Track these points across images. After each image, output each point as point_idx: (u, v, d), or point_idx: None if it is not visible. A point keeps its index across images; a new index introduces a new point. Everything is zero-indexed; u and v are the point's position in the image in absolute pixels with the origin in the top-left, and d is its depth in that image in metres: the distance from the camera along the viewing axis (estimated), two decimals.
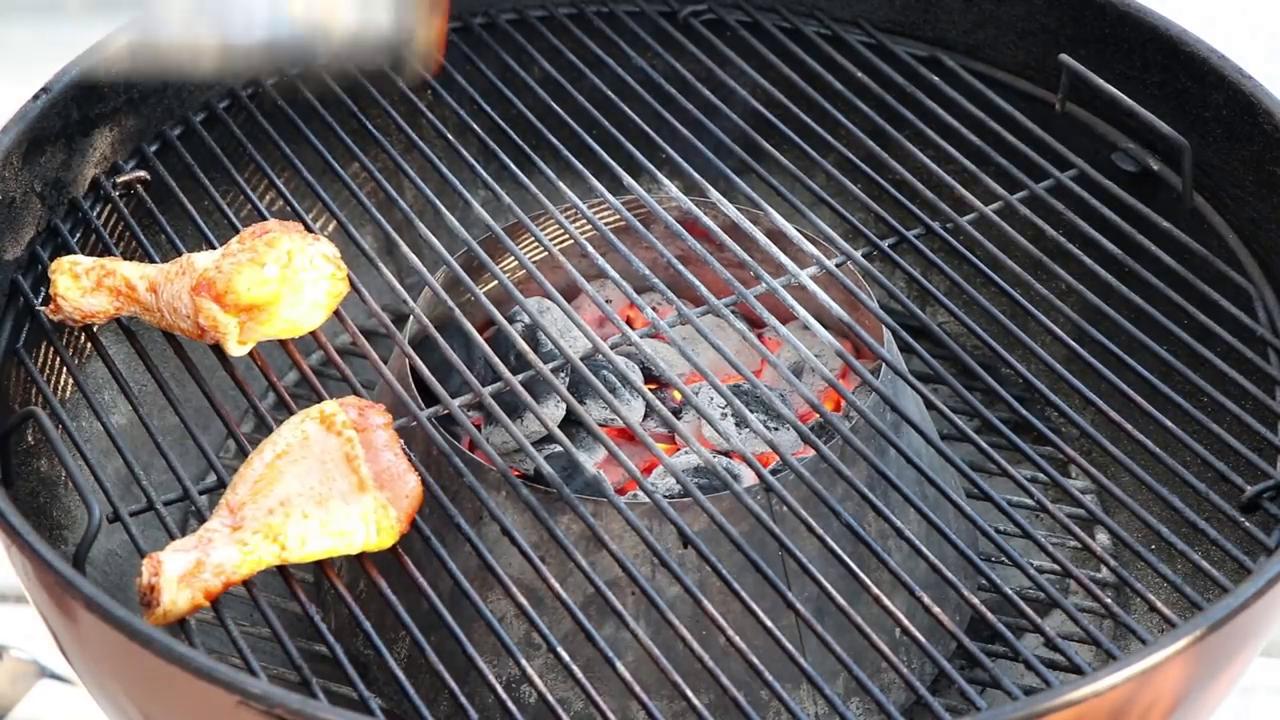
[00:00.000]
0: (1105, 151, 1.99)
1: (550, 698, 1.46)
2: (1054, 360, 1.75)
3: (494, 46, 2.13)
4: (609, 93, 2.06)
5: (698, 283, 1.80)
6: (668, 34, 2.15)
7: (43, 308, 1.76)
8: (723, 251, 1.88)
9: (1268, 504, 1.62)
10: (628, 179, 1.92)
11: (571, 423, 1.82)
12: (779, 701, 1.46)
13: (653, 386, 1.89)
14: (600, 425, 1.77)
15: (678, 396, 1.87)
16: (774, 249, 1.85)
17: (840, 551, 1.56)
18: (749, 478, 1.72)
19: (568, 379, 1.83)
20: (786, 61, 2.10)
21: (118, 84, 1.96)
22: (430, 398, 1.75)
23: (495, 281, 1.87)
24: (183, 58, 1.94)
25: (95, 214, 1.92)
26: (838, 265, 1.85)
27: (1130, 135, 1.98)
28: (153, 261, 1.82)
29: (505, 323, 1.76)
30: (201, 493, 1.65)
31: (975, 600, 1.53)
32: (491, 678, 1.47)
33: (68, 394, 1.89)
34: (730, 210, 1.90)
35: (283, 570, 1.55)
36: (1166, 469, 1.64)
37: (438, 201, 1.91)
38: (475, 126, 2.02)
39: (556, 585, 1.53)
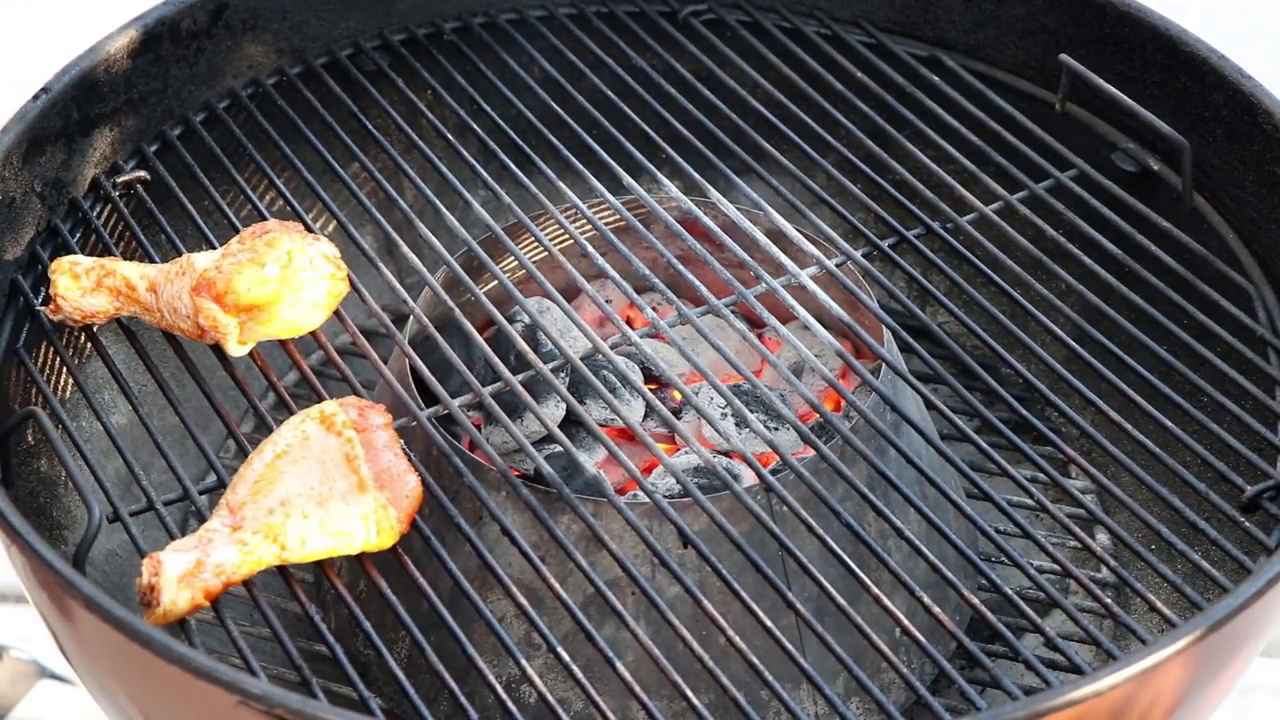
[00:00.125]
0: (1105, 151, 1.99)
1: (550, 698, 1.46)
2: (1054, 360, 1.75)
3: (494, 46, 2.13)
4: (609, 93, 2.06)
5: (698, 283, 1.80)
6: (668, 34, 2.14)
7: (43, 308, 1.76)
8: (723, 251, 1.88)
9: (1268, 504, 1.62)
10: (628, 179, 1.92)
11: (571, 423, 1.82)
12: (779, 701, 1.46)
13: (653, 386, 1.89)
14: (600, 425, 1.77)
15: (678, 396, 1.87)
16: (774, 249, 1.85)
17: (840, 551, 1.56)
18: (749, 478, 1.72)
19: (568, 379, 1.83)
20: (786, 61, 2.10)
21: (118, 84, 1.96)
22: (430, 398, 1.75)
23: (495, 281, 1.87)
24: None
25: (95, 214, 1.92)
26: (838, 265, 1.85)
27: (1130, 135, 1.98)
28: (153, 261, 1.82)
29: (505, 323, 1.76)
30: (201, 493, 1.65)
31: (975, 600, 1.53)
32: (491, 678, 1.47)
33: (68, 394, 1.89)
34: (730, 210, 1.90)
35: (283, 570, 1.55)
36: (1166, 469, 1.64)
37: (438, 201, 1.91)
38: (475, 126, 2.02)
39: (556, 585, 1.53)
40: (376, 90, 2.08)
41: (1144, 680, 1.39)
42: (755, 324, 1.96)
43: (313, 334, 1.74)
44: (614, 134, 2.00)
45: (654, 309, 1.92)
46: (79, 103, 1.92)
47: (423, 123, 2.06)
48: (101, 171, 1.95)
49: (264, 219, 1.83)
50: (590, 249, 1.85)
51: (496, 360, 1.73)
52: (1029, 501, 1.66)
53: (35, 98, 1.88)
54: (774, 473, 1.70)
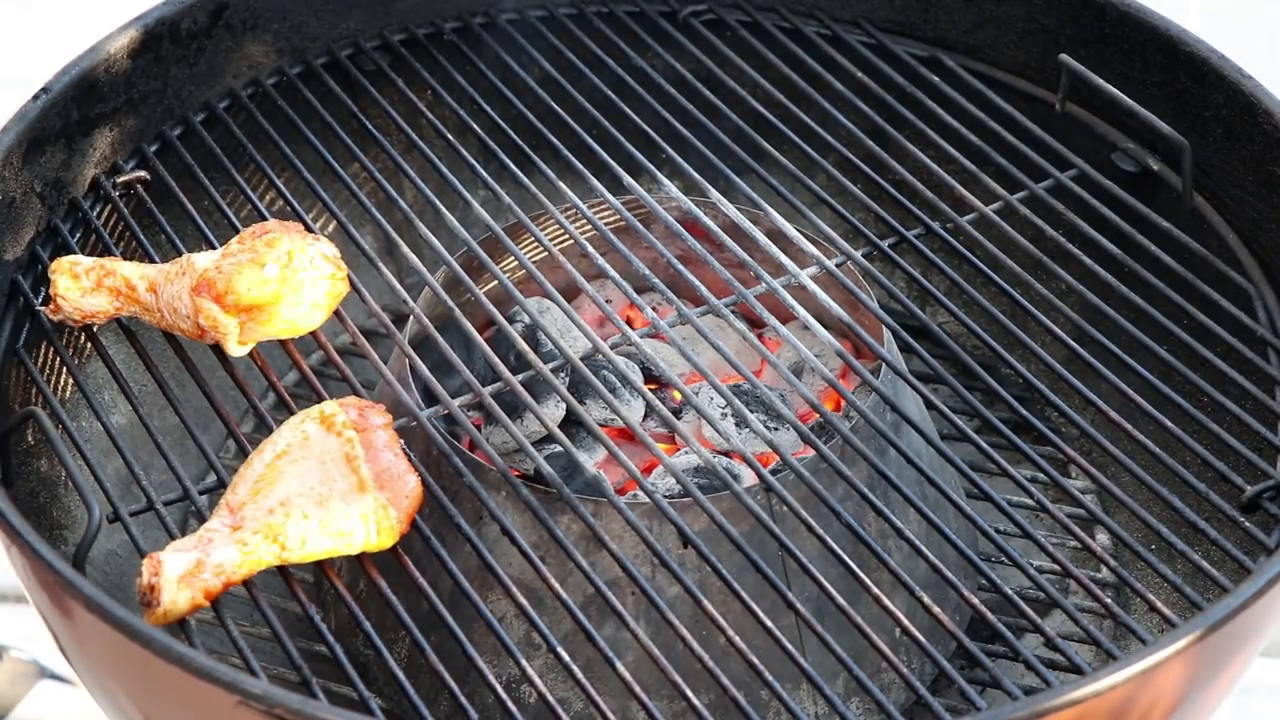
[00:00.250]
0: (1105, 151, 1.99)
1: (550, 698, 1.46)
2: (1054, 360, 1.75)
3: (494, 46, 2.13)
4: (609, 93, 2.06)
5: (698, 283, 1.80)
6: (668, 34, 2.14)
7: (43, 308, 1.76)
8: (723, 251, 1.88)
9: (1268, 504, 1.62)
10: (628, 179, 1.92)
11: (571, 423, 1.82)
12: (779, 701, 1.46)
13: (653, 386, 1.89)
14: (600, 425, 1.77)
15: (678, 396, 1.87)
16: (774, 249, 1.85)
17: (840, 551, 1.56)
18: (749, 478, 1.72)
19: (568, 379, 1.83)
20: (786, 61, 2.10)
21: (118, 84, 1.96)
22: (430, 398, 1.75)
23: (495, 281, 1.87)
24: None
25: (95, 214, 1.92)
26: (838, 265, 1.85)
27: (1130, 135, 1.98)
28: (153, 261, 1.82)
29: (505, 323, 1.76)
30: (201, 493, 1.65)
31: (975, 600, 1.53)
32: (491, 678, 1.47)
33: (68, 394, 1.89)
34: (730, 210, 1.90)
35: (283, 570, 1.55)
36: (1166, 469, 1.64)
37: (438, 201, 1.91)
38: (475, 126, 2.02)
39: (556, 585, 1.53)
40: (376, 90, 2.08)
41: (1144, 680, 1.39)
42: (755, 324, 1.96)
43: (313, 334, 1.74)
44: (614, 134, 2.00)
45: (654, 309, 1.92)
46: (79, 103, 1.92)
47: (423, 123, 2.06)
48: (101, 171, 1.95)
49: (264, 219, 1.83)
50: (590, 249, 1.85)
51: (496, 360, 1.73)
52: (1029, 501, 1.66)
53: (35, 98, 1.88)
54: (774, 473, 1.70)
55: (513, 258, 1.88)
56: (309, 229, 1.83)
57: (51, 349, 1.83)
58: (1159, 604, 1.53)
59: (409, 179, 1.96)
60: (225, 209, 1.91)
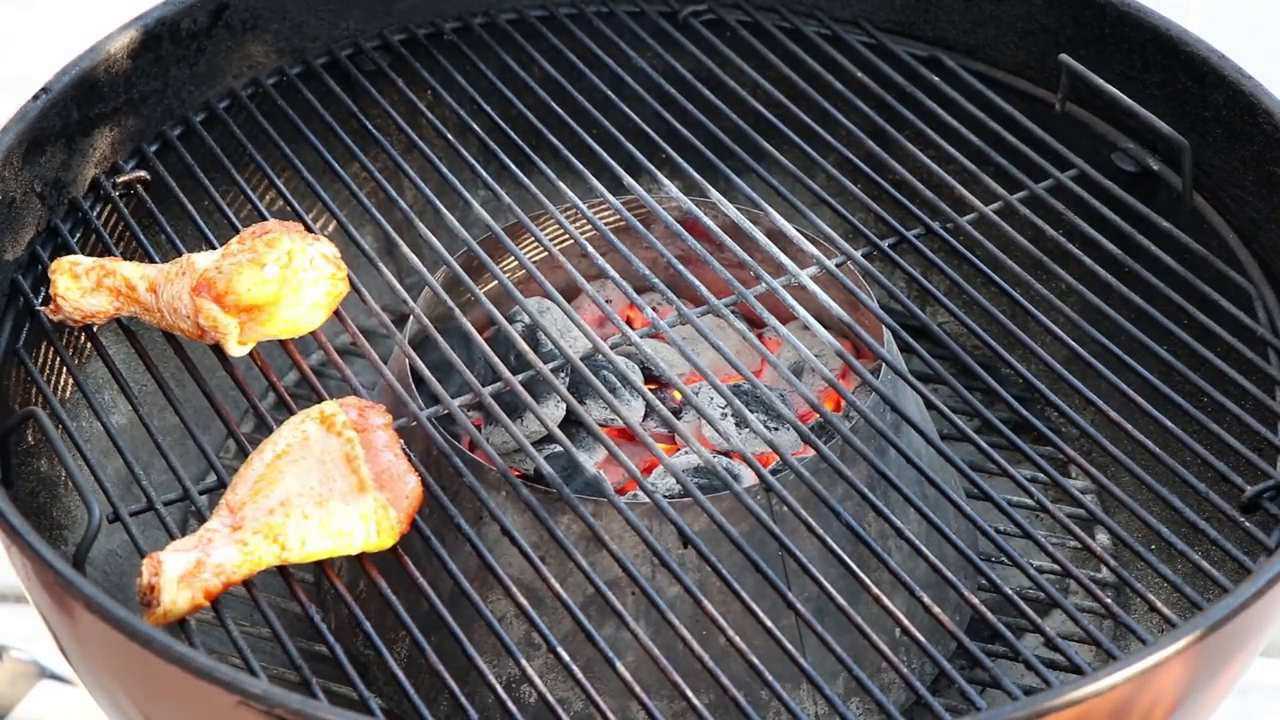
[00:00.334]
0: (1105, 151, 1.99)
1: (550, 698, 1.46)
2: (1054, 360, 1.75)
3: (494, 46, 2.13)
4: (609, 93, 2.06)
5: (698, 283, 1.80)
6: (668, 34, 2.14)
7: (43, 308, 1.76)
8: (723, 251, 1.88)
9: (1268, 504, 1.62)
10: (628, 179, 1.92)
11: (571, 423, 1.81)
12: (779, 701, 1.46)
13: (653, 386, 1.89)
14: (600, 425, 1.77)
15: (678, 396, 1.87)
16: (774, 249, 1.85)
17: (840, 551, 1.56)
18: (749, 478, 1.72)
19: (568, 379, 1.83)
20: (786, 61, 2.10)
21: (118, 84, 1.96)
22: (430, 398, 1.75)
23: (495, 281, 1.87)
24: None
25: (95, 214, 1.92)
26: (838, 265, 1.85)
27: (1130, 135, 1.98)
28: (153, 261, 1.82)
29: (505, 323, 1.76)
30: (201, 493, 1.65)
31: (975, 600, 1.53)
32: (491, 678, 1.47)
33: (68, 394, 1.89)
34: (730, 210, 1.90)
35: (283, 570, 1.55)
36: (1166, 469, 1.64)
37: (438, 201, 1.91)
38: (475, 126, 2.02)
39: (556, 585, 1.53)
40: (376, 90, 2.08)
41: (1144, 680, 1.39)
42: (755, 324, 1.96)
43: (313, 334, 1.74)
44: (614, 134, 2.00)
45: (654, 309, 1.92)
46: (79, 103, 1.92)
47: (423, 123, 2.06)
48: (101, 171, 1.95)
49: (264, 219, 1.83)
50: (590, 249, 1.85)
51: (496, 360, 1.73)
52: (1029, 501, 1.66)
53: (35, 98, 1.88)
54: (774, 473, 1.70)
55: (513, 258, 1.88)
56: (309, 229, 1.83)
57: (51, 349, 1.83)
58: (1159, 604, 1.53)
59: (409, 179, 1.96)
60: (225, 209, 1.91)
